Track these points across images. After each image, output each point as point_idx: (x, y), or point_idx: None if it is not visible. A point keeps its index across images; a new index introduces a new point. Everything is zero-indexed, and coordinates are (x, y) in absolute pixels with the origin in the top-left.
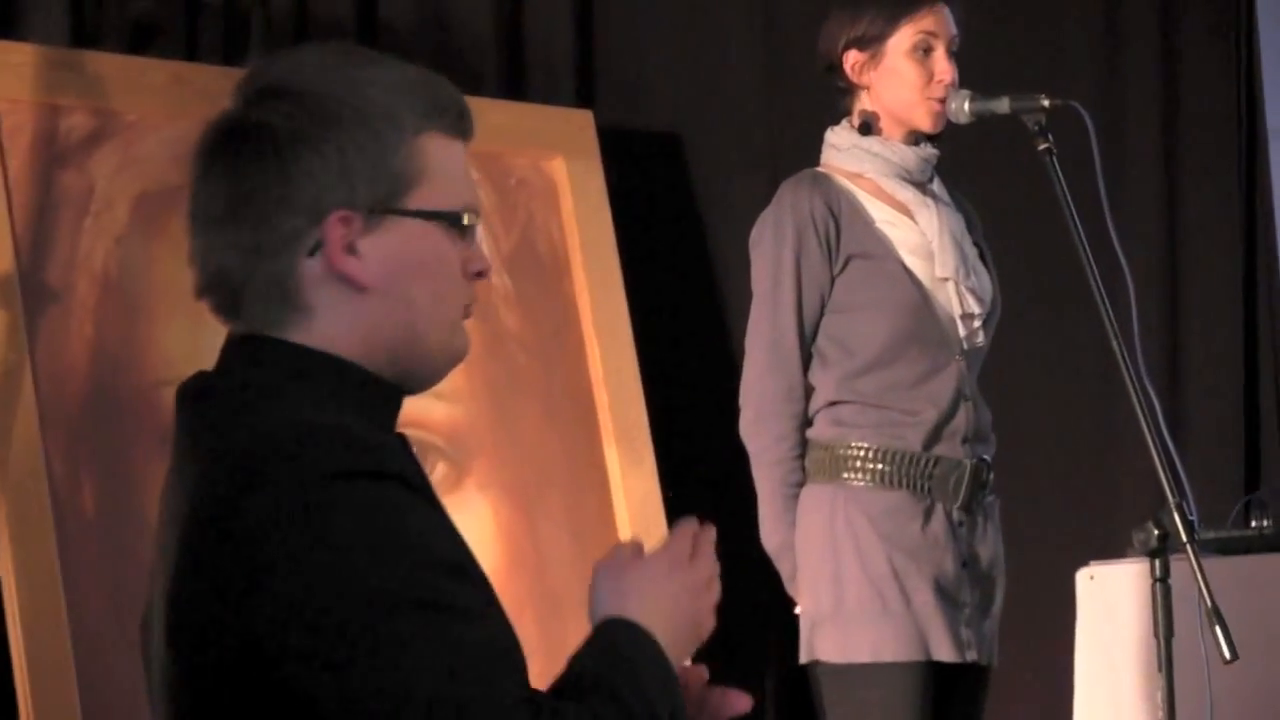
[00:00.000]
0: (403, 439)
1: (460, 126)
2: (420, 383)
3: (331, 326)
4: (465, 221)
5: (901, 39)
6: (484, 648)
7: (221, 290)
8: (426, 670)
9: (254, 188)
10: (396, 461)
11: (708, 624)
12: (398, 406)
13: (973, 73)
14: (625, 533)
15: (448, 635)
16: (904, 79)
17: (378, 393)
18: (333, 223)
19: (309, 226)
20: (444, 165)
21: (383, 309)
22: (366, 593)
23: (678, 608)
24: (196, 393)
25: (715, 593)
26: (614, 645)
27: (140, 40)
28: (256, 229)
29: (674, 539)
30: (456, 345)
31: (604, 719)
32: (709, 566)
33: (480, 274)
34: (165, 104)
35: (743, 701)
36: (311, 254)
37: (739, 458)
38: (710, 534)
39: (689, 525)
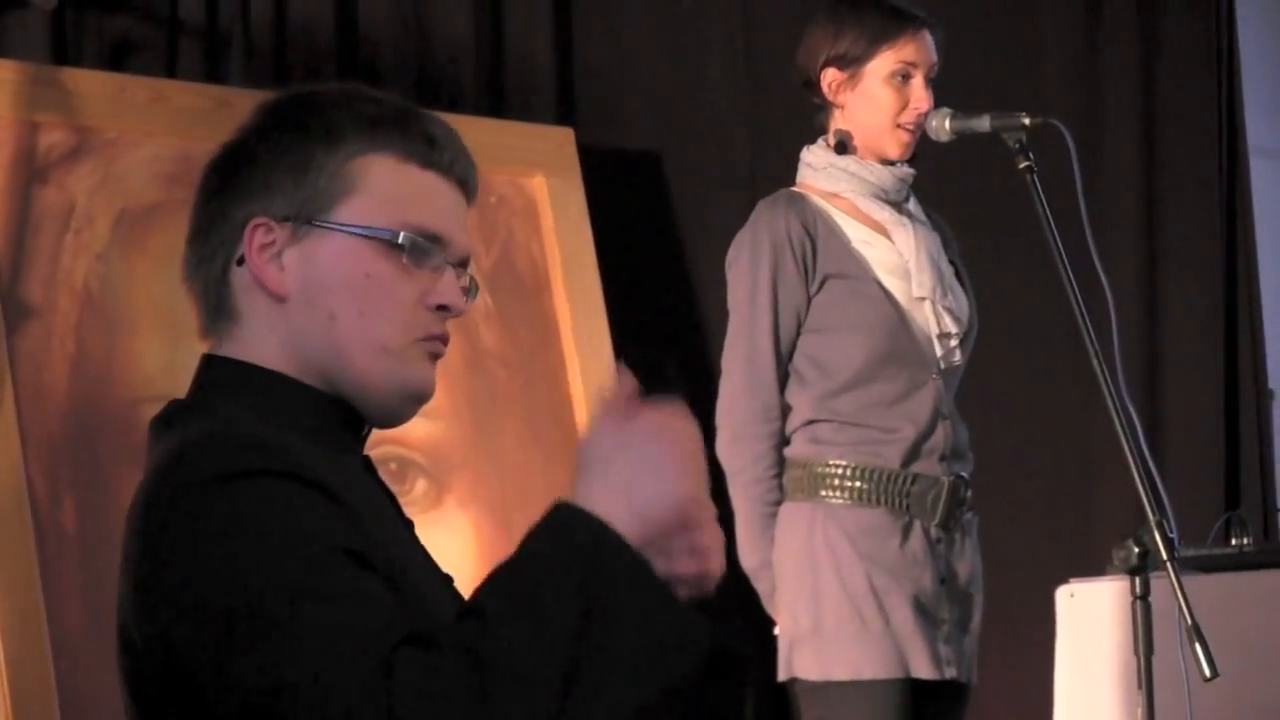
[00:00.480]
0: (367, 460)
1: (430, 157)
2: (370, 413)
3: (257, 336)
4: (400, 241)
5: (881, 64)
6: (351, 629)
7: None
8: (295, 655)
9: (206, 200)
10: (288, 460)
11: (672, 474)
12: (346, 421)
13: (954, 90)
14: None
15: (315, 619)
16: (878, 105)
17: (307, 403)
18: (250, 230)
19: (236, 235)
20: (388, 187)
21: (303, 320)
22: (239, 584)
23: (634, 466)
24: (159, 420)
25: (675, 438)
26: (525, 562)
27: (120, 57)
28: (200, 238)
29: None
30: (403, 377)
31: (475, 669)
32: (657, 419)
33: (444, 307)
34: (145, 121)
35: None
36: (241, 263)
37: (717, 475)
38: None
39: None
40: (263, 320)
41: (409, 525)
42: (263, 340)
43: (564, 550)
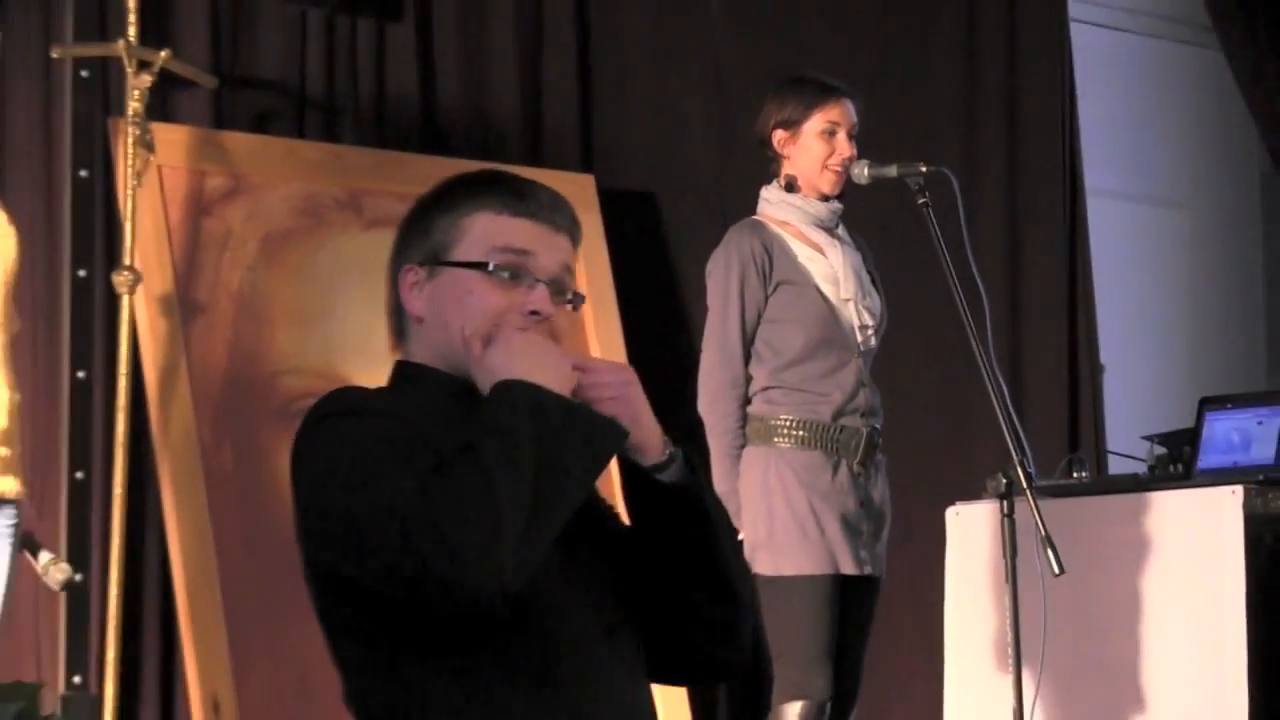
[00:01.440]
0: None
1: (519, 207)
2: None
3: (416, 346)
4: (490, 268)
5: (814, 123)
6: (404, 460)
7: None
8: (372, 484)
9: (388, 273)
10: (384, 406)
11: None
12: (466, 394)
13: (870, 144)
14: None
15: (382, 472)
16: (812, 154)
17: (438, 384)
18: (401, 274)
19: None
20: (485, 233)
21: (433, 332)
22: (328, 475)
23: (537, 356)
24: None
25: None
26: (492, 408)
27: (263, 123)
28: (388, 295)
29: None
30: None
31: (481, 459)
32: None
33: (535, 312)
34: (282, 171)
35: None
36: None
37: (699, 427)
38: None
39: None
40: (417, 335)
41: None
42: (419, 348)
43: (515, 402)
